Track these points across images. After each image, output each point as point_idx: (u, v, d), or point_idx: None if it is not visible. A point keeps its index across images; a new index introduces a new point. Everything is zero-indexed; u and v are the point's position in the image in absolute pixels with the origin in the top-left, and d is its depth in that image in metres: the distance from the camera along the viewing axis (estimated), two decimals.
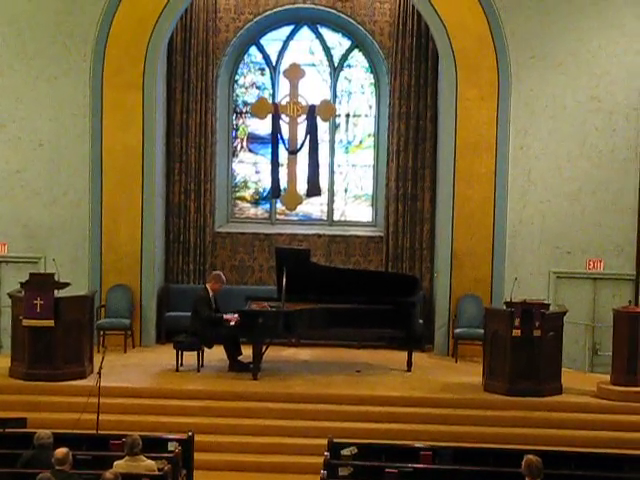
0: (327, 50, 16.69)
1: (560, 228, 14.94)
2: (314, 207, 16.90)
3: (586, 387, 12.90)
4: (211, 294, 13.62)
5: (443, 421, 12.00)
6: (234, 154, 16.91)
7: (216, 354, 13.64)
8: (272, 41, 16.77)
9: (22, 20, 14.95)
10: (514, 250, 14.94)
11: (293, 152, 16.31)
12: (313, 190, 16.34)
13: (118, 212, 15.06)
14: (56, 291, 12.76)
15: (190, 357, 13.35)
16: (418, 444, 9.85)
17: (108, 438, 9.52)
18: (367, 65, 16.72)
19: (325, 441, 9.65)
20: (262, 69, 16.84)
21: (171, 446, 9.49)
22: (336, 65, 16.69)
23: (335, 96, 16.69)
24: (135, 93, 14.96)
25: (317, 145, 16.26)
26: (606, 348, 14.12)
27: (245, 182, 17.03)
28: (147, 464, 8.57)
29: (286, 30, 16.72)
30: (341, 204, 16.89)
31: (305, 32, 16.75)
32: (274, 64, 16.72)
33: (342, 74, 16.74)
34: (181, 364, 13.36)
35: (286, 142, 16.26)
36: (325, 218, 16.87)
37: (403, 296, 13.70)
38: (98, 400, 10.43)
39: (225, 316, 13.29)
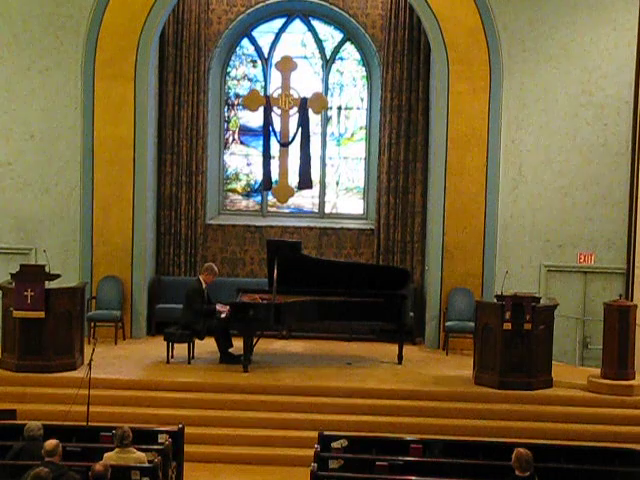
0: (319, 43, 16.67)
1: (551, 221, 14.95)
2: (305, 199, 16.89)
3: (576, 380, 12.93)
4: (204, 286, 13.61)
5: (433, 414, 12.01)
6: (226, 146, 16.88)
7: (207, 346, 13.63)
8: (264, 33, 16.74)
9: (14, 11, 14.90)
10: (505, 243, 14.95)
11: (285, 144, 16.28)
12: (304, 182, 16.33)
13: (109, 204, 15.04)
14: (47, 282, 12.76)
15: (181, 349, 13.34)
16: (408, 437, 9.89)
17: (98, 430, 9.54)
18: (359, 58, 16.69)
19: (315, 434, 9.69)
20: (254, 61, 16.81)
21: (161, 438, 9.49)
22: (328, 58, 16.67)
23: (327, 89, 16.66)
24: (127, 85, 14.92)
25: (309, 137, 16.24)
26: (597, 342, 14.13)
27: (236, 174, 17.01)
28: (137, 456, 8.58)
29: (278, 22, 16.69)
30: (332, 197, 16.88)
31: (297, 24, 16.72)
32: (266, 56, 16.69)
33: (334, 67, 16.72)
34: (172, 356, 13.36)
35: (278, 134, 16.24)
36: (316, 210, 16.86)
37: (394, 289, 13.71)
38: (88, 392, 10.40)
39: (217, 307, 13.28)
